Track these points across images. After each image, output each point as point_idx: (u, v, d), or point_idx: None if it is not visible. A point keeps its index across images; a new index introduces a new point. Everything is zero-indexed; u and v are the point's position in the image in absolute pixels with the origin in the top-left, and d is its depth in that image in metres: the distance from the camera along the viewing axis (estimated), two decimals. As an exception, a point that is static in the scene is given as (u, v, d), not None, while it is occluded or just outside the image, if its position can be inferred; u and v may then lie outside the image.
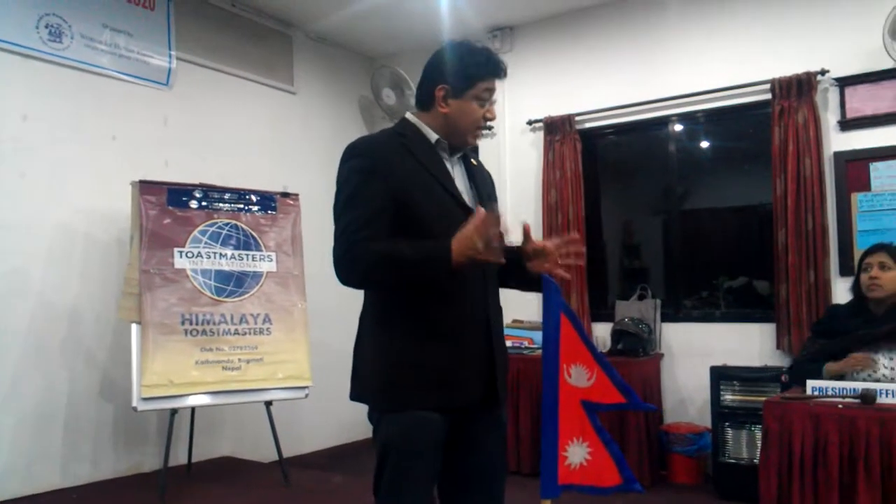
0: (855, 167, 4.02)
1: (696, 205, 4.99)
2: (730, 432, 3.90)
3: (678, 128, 4.76)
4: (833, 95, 4.10)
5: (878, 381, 2.69)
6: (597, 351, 1.77)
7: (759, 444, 3.08)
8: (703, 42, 4.52)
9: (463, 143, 1.89)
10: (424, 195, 1.77)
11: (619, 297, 4.90)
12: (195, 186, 3.94)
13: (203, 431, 4.33)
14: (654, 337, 4.50)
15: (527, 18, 5.16)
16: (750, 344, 4.28)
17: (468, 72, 1.82)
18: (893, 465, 2.31)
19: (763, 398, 2.80)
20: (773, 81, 4.16)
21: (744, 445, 3.85)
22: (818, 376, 2.74)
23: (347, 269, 1.73)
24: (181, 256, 3.78)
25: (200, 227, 3.89)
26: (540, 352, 1.83)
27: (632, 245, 5.37)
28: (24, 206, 3.78)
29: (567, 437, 1.73)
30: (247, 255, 3.99)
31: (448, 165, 1.88)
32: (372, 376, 1.79)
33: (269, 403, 3.94)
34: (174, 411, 3.66)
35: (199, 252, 3.84)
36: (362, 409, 1.86)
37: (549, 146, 4.97)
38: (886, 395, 2.46)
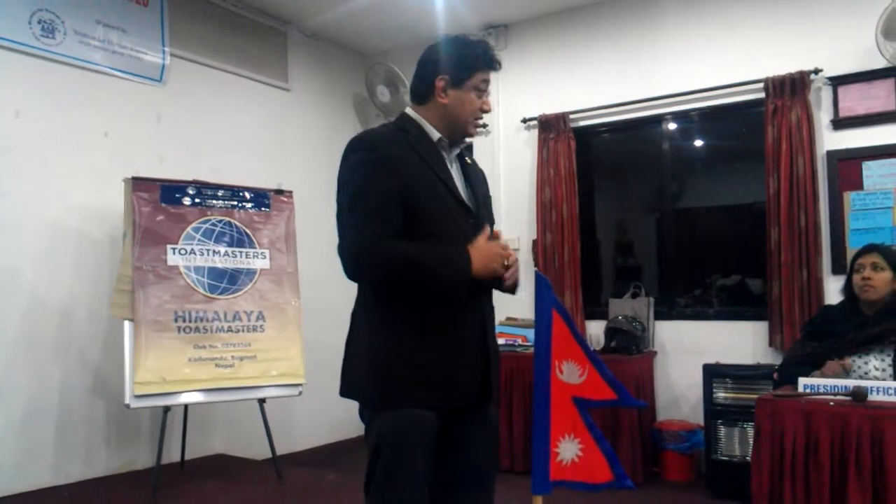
0: (847, 166, 4.04)
1: (689, 203, 5.00)
2: (722, 430, 3.91)
3: (672, 126, 4.77)
4: (826, 94, 4.11)
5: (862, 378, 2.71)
6: (588, 348, 1.78)
7: (751, 441, 3.08)
8: (697, 41, 4.53)
9: (463, 134, 1.90)
10: (428, 193, 1.77)
11: (612, 295, 4.91)
12: (188, 183, 3.93)
13: (196, 429, 4.32)
14: (647, 335, 4.51)
15: (521, 16, 5.16)
16: (743, 342, 4.30)
17: (467, 63, 1.84)
18: (884, 461, 2.32)
19: (755, 396, 2.80)
20: (766, 80, 4.17)
21: (736, 443, 3.87)
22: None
23: (365, 266, 1.73)
24: (174, 253, 3.77)
25: (194, 224, 3.88)
26: (533, 349, 1.84)
27: (625, 243, 5.37)
28: (16, 203, 3.76)
29: (559, 434, 1.74)
30: (240, 252, 3.99)
31: (447, 164, 1.88)
32: (366, 374, 1.78)
33: (262, 401, 3.93)
34: (167, 409, 3.66)
35: (192, 249, 3.83)
36: (356, 406, 1.86)
37: (543, 144, 4.97)
38: (878, 393, 2.47)
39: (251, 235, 4.05)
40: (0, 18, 3.72)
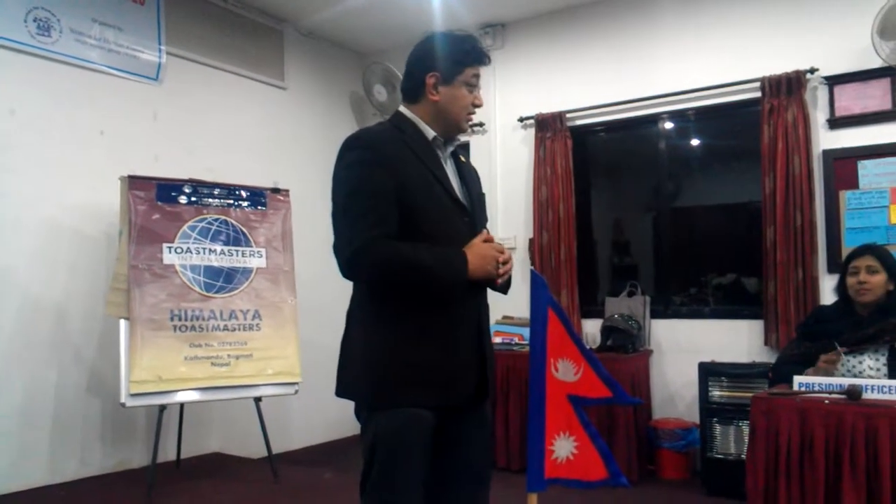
0: (843, 165, 4.05)
1: (685, 202, 5.01)
2: (718, 428, 3.92)
3: (668, 125, 4.78)
4: (822, 94, 4.12)
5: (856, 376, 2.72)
6: (583, 346, 1.78)
7: (746, 439, 3.09)
8: (694, 40, 4.54)
9: (457, 129, 1.90)
10: (424, 192, 1.77)
11: (609, 293, 4.91)
12: (185, 182, 3.93)
13: (192, 427, 4.32)
14: (643, 333, 4.52)
15: (518, 15, 5.16)
16: (738, 340, 4.31)
17: (457, 58, 1.83)
18: (878, 459, 2.33)
19: (751, 394, 2.81)
20: (762, 80, 4.18)
21: (731, 441, 3.87)
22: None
23: (361, 267, 1.72)
24: (170, 252, 3.77)
25: (190, 223, 3.87)
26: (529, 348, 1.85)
27: (622, 242, 5.38)
28: (11, 201, 3.76)
29: (554, 431, 1.74)
30: (236, 250, 3.98)
31: (443, 163, 1.88)
32: (362, 373, 1.78)
33: (258, 400, 3.93)
34: (163, 407, 3.66)
35: (188, 247, 3.83)
36: (352, 405, 1.85)
37: (539, 143, 4.97)
38: (872, 391, 2.48)
39: (247, 234, 4.04)
40: (-5, 16, 3.71)
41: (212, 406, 4.48)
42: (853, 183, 4.02)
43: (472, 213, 1.88)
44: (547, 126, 4.94)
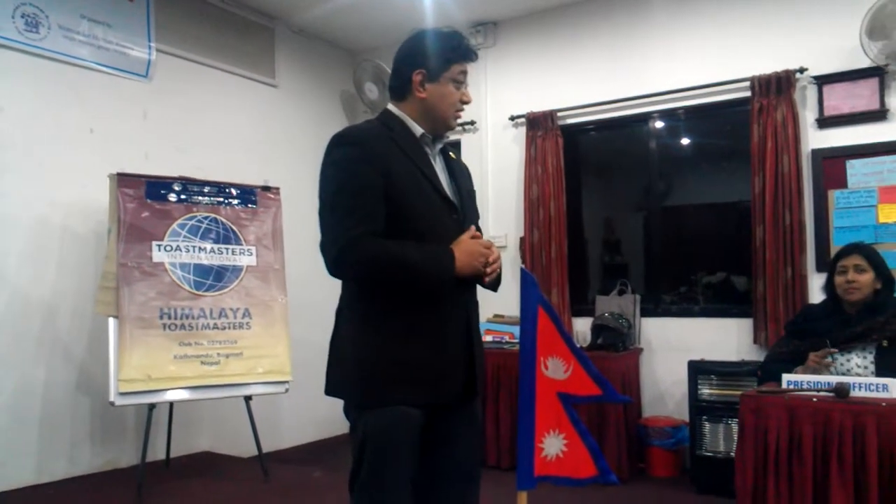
0: (832, 164, 4.07)
1: (676, 201, 5.02)
2: (707, 426, 3.94)
3: (659, 124, 4.79)
4: (811, 93, 4.14)
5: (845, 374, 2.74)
6: (573, 344, 1.79)
7: (735, 437, 3.11)
8: (684, 39, 4.55)
9: (444, 127, 1.90)
10: (413, 190, 1.77)
11: (599, 292, 4.93)
12: (174, 179, 3.91)
13: (181, 426, 4.30)
14: (633, 332, 4.54)
15: (510, 14, 5.16)
16: (727, 339, 4.33)
17: (444, 55, 1.83)
18: (866, 456, 2.34)
19: (740, 392, 2.83)
20: (752, 79, 4.20)
21: (721, 439, 3.89)
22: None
23: (348, 264, 1.72)
24: (159, 250, 3.75)
25: (179, 221, 3.86)
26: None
27: (612, 241, 5.39)
28: (-1, 199, 3.73)
29: (543, 429, 1.74)
30: (226, 248, 3.97)
31: (431, 160, 1.88)
32: (351, 371, 1.78)
33: (248, 398, 3.92)
34: (152, 406, 3.64)
35: (177, 246, 3.81)
36: (342, 404, 1.85)
37: (531, 142, 4.98)
38: (860, 389, 2.50)
39: (237, 232, 4.03)
40: (-17, 12, 3.68)
41: (201, 405, 4.46)
42: (842, 182, 4.04)
43: (461, 210, 1.88)
44: (538, 125, 4.95)
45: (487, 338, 4.73)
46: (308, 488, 3.92)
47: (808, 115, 4.14)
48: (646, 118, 4.76)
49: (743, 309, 4.33)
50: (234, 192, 4.08)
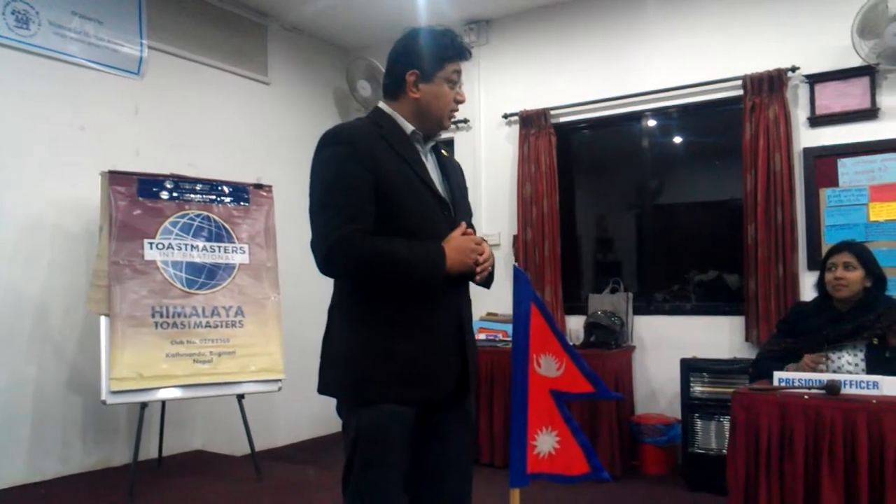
0: (823, 163, 4.09)
1: (668, 199, 5.04)
2: (699, 423, 3.95)
3: (651, 123, 4.81)
4: (803, 92, 4.16)
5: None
6: (566, 341, 1.79)
7: (727, 434, 3.12)
8: (677, 38, 4.57)
9: (438, 127, 1.89)
10: (404, 187, 1.76)
11: (592, 290, 4.94)
12: (166, 177, 3.89)
13: (174, 425, 4.29)
14: (626, 330, 4.55)
15: (503, 12, 5.16)
16: (719, 336, 4.34)
17: (437, 55, 1.82)
18: (856, 453, 2.36)
19: (732, 390, 2.84)
20: (744, 78, 4.21)
21: (713, 436, 3.91)
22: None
23: (338, 262, 1.71)
24: (151, 248, 3.74)
25: (171, 219, 3.84)
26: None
27: (605, 239, 5.41)
28: (-11, 196, 3.71)
29: (536, 426, 1.74)
30: (219, 246, 3.96)
31: (422, 157, 1.87)
32: (343, 370, 1.77)
33: (241, 397, 3.91)
34: (144, 405, 3.62)
35: (169, 244, 3.80)
36: (335, 402, 1.85)
37: (524, 140, 4.98)
38: (850, 386, 2.51)
39: (230, 230, 4.02)
40: (-27, 8, 3.66)
41: (194, 403, 4.45)
42: (833, 180, 4.06)
43: (452, 208, 1.87)
44: (531, 123, 4.95)
45: (481, 336, 4.74)
46: (301, 487, 3.91)
47: (800, 114, 4.16)
48: (638, 116, 4.78)
49: (735, 307, 4.35)
50: (226, 189, 4.06)
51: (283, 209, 4.35)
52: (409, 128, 1.85)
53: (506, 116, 5.15)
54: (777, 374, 2.68)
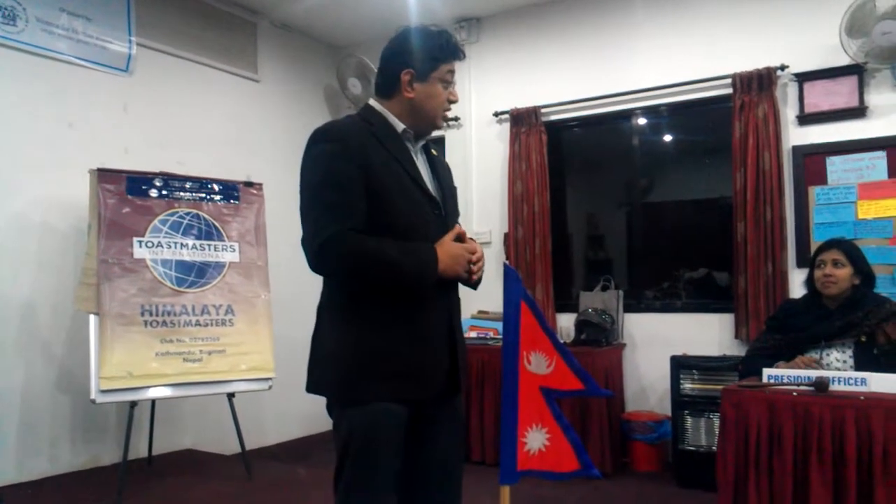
0: (812, 161, 4.11)
1: (658, 197, 5.06)
2: (689, 420, 3.97)
3: (642, 121, 4.82)
4: (792, 90, 4.18)
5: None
6: (556, 338, 1.79)
7: (717, 431, 3.13)
8: (667, 37, 4.58)
9: (431, 127, 1.89)
10: (394, 185, 1.75)
11: (583, 288, 4.95)
12: (155, 175, 3.87)
13: (164, 424, 4.27)
14: (616, 327, 4.56)
15: (493, 9, 5.16)
16: (709, 334, 4.36)
17: (432, 54, 1.82)
18: (844, 449, 2.37)
19: (721, 387, 2.85)
20: (734, 76, 4.23)
21: (703, 433, 3.93)
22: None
23: (329, 260, 1.69)
24: (141, 246, 3.72)
25: (161, 217, 3.82)
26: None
27: (596, 237, 5.42)
28: (-24, 194, 3.68)
29: (526, 424, 1.75)
30: (209, 245, 3.94)
31: (413, 155, 1.87)
32: (335, 369, 1.76)
33: (231, 395, 3.90)
34: (134, 404, 3.60)
35: (159, 242, 3.78)
36: (325, 402, 1.84)
37: (514, 138, 4.98)
38: (839, 383, 2.52)
39: (220, 228, 4.00)
40: (-41, 5, 3.62)
41: (184, 402, 4.43)
42: (822, 179, 4.08)
43: (442, 206, 1.87)
44: (522, 121, 4.95)
45: (472, 334, 4.74)
46: (292, 485, 3.90)
47: (789, 112, 4.18)
48: (629, 115, 4.79)
49: (724, 304, 4.37)
50: (216, 187, 4.05)
51: (274, 207, 4.33)
52: (399, 126, 1.84)
53: (496, 114, 5.15)
54: (766, 372, 2.69)
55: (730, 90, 4.26)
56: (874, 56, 3.85)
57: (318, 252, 1.69)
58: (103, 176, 3.68)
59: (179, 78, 4.70)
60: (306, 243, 1.72)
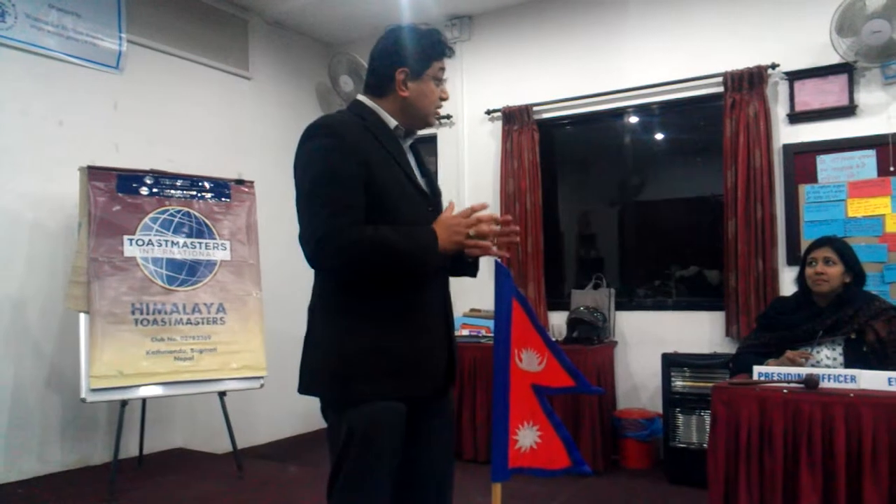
0: (803, 159, 4.13)
1: (649, 196, 5.07)
2: (680, 418, 3.99)
3: (633, 119, 4.83)
4: (783, 89, 4.20)
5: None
6: (547, 336, 1.79)
7: (708, 428, 3.14)
8: (659, 35, 4.59)
9: (424, 124, 1.89)
10: (389, 179, 1.74)
11: (574, 286, 4.96)
12: (146, 172, 3.85)
13: (155, 423, 4.26)
14: (608, 325, 4.57)
15: (485, 7, 5.16)
16: (700, 331, 4.38)
17: (424, 52, 1.82)
18: (834, 446, 2.38)
19: (712, 384, 2.86)
20: (725, 75, 4.24)
21: (694, 430, 3.94)
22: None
23: (328, 252, 1.65)
24: (131, 244, 3.70)
25: (151, 215, 3.81)
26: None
27: (588, 235, 5.43)
28: (-36, 192, 3.66)
29: (518, 421, 1.74)
30: (199, 243, 3.92)
31: (404, 151, 1.87)
32: (330, 369, 1.72)
33: (222, 394, 3.89)
34: (124, 402, 3.59)
35: (149, 240, 3.76)
36: (318, 400, 1.83)
37: (507, 136, 4.98)
38: (829, 380, 2.54)
39: (211, 226, 3.99)
40: (-53, 1, 3.59)
41: (175, 401, 4.42)
42: (812, 177, 4.10)
43: (434, 202, 1.87)
44: (514, 119, 4.96)
45: (464, 332, 4.74)
46: (283, 484, 3.90)
47: (780, 111, 4.20)
48: (620, 113, 4.80)
49: (715, 302, 4.39)
50: (207, 185, 4.03)
51: (265, 205, 4.32)
52: (391, 122, 1.83)
53: (488, 112, 5.15)
54: (757, 369, 2.70)
55: (721, 89, 4.28)
56: (864, 55, 3.87)
57: (317, 247, 1.65)
58: (93, 173, 3.67)
59: (170, 75, 4.68)
60: (304, 240, 1.68)
